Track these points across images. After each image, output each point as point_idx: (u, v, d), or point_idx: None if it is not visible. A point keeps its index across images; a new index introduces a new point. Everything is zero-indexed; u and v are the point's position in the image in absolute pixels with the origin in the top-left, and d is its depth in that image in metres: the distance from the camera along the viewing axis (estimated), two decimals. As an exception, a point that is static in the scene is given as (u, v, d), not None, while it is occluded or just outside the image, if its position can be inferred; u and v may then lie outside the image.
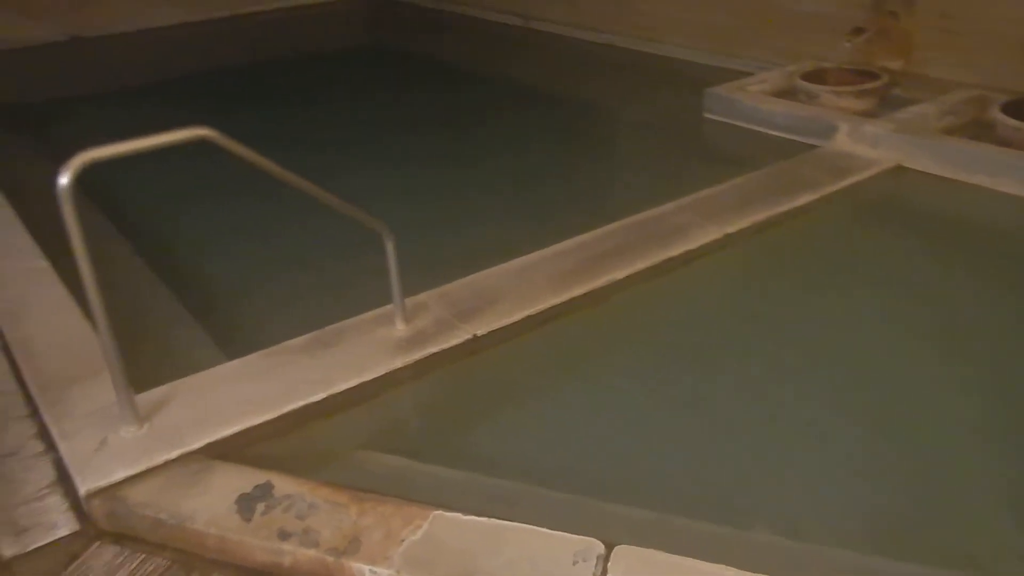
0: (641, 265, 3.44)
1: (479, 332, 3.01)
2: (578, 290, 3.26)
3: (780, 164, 4.46)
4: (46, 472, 2.57)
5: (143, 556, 2.29)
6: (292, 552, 2.14)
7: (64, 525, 2.38)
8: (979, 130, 4.52)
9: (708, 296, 3.45)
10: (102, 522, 2.36)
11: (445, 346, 2.94)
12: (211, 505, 2.29)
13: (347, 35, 9.54)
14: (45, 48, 8.60)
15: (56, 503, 2.46)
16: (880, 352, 3.03)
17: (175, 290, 3.71)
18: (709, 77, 5.85)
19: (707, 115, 5.42)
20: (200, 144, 2.35)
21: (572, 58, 7.53)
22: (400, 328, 3.00)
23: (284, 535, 2.17)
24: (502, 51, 8.14)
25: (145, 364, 3.00)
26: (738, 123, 5.24)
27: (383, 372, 2.80)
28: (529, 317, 3.13)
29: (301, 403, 2.66)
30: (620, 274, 3.38)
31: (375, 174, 4.94)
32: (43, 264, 3.63)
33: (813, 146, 4.74)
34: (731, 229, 3.73)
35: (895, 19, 5.50)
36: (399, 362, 2.85)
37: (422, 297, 3.21)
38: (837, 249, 3.82)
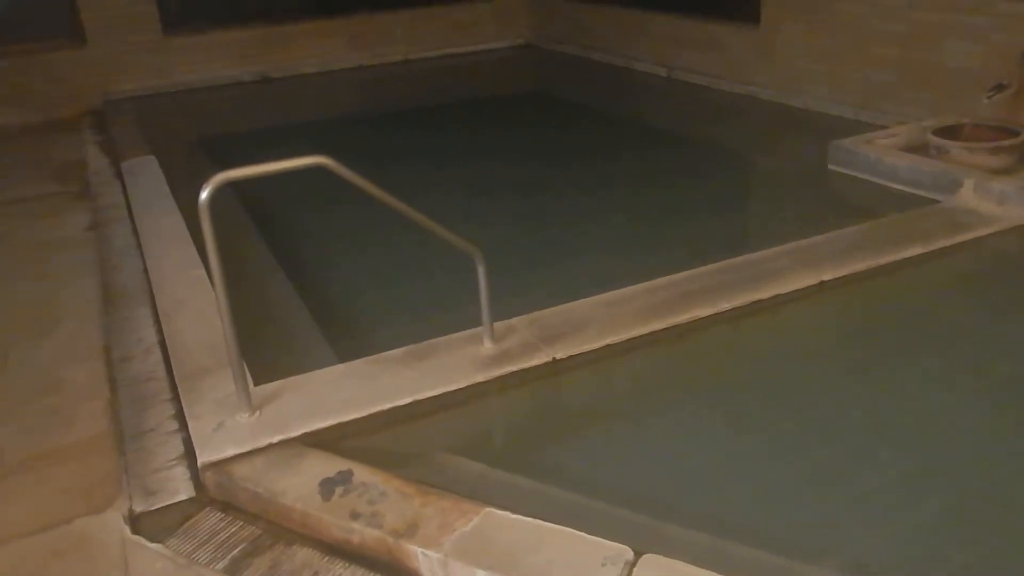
0: (727, 305, 3.52)
1: (559, 355, 3.21)
2: (660, 324, 3.39)
3: (894, 216, 4.40)
4: (176, 447, 2.98)
5: (241, 523, 2.62)
6: (360, 531, 2.40)
7: (183, 491, 2.76)
8: None
9: (792, 342, 3.49)
10: (213, 491, 2.71)
11: (525, 365, 3.15)
12: (299, 485, 2.59)
13: (506, 80, 10.03)
14: (238, 86, 9.59)
15: (180, 473, 2.85)
16: (960, 422, 2.96)
17: (305, 298, 4.12)
18: (846, 130, 5.81)
19: (831, 166, 5.38)
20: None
21: (710, 107, 7.63)
22: (487, 347, 3.24)
23: (355, 515, 2.44)
24: (644, 98, 8.36)
25: (270, 360, 3.42)
26: (861, 175, 5.19)
27: (465, 385, 3.05)
28: (609, 346, 3.29)
29: (389, 406, 2.95)
30: (704, 312, 3.48)
31: (498, 202, 5.29)
32: (201, 272, 4.14)
33: (935, 201, 4.64)
34: (827, 277, 3.74)
35: (1041, 76, 5.28)
36: (481, 377, 3.09)
37: (514, 321, 3.44)
38: (939, 307, 3.74)
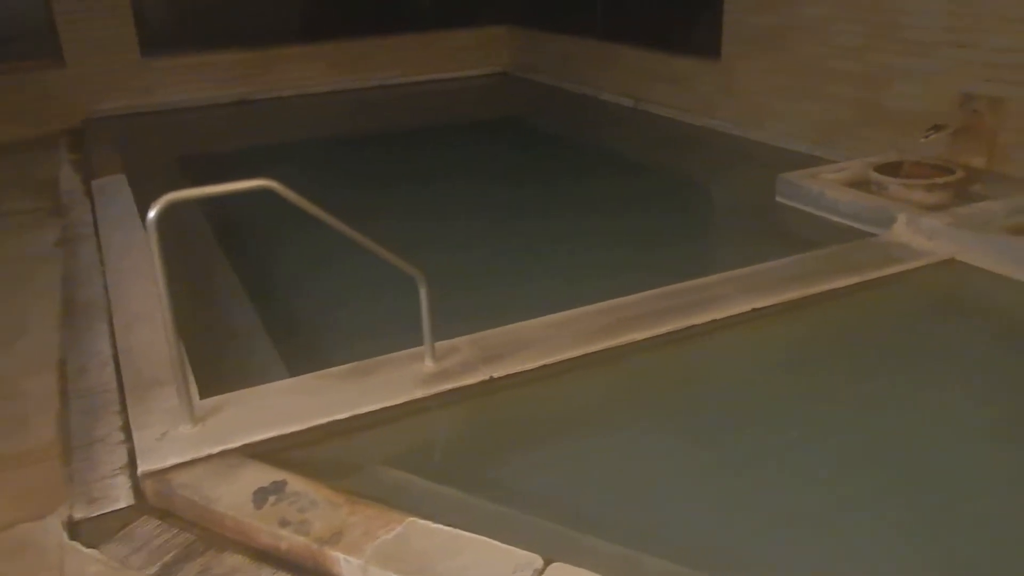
0: (662, 329, 3.65)
1: (496, 374, 3.32)
2: (596, 347, 3.51)
3: (831, 248, 4.56)
4: (121, 456, 3.05)
5: (177, 530, 2.69)
6: (288, 538, 2.49)
7: (124, 499, 2.84)
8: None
9: (723, 367, 3.62)
10: (152, 499, 2.79)
11: (463, 383, 3.26)
12: (234, 493, 2.68)
13: (480, 107, 10.20)
14: (217, 108, 9.71)
15: (122, 481, 2.92)
16: (874, 437, 3.09)
17: (265, 315, 4.22)
18: (801, 164, 5.98)
19: (778, 199, 5.55)
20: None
21: (671, 138, 7.81)
22: (429, 365, 3.35)
23: (284, 523, 2.52)
24: (608, 128, 8.54)
25: (224, 374, 3.51)
26: (806, 208, 5.35)
27: (403, 401, 3.16)
28: (545, 366, 3.41)
29: (328, 419, 3.05)
30: (640, 336, 3.60)
31: (453, 224, 5.46)
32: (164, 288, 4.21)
33: (872, 234, 4.80)
34: (760, 304, 3.88)
35: (980, 118, 5.48)
36: (419, 393, 3.19)
37: (457, 341, 3.55)
38: (864, 334, 3.88)
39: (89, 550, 2.61)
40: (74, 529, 2.72)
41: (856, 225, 4.98)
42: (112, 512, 2.78)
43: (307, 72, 10.12)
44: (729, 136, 7.47)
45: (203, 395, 3.25)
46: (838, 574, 2.47)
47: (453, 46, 10.97)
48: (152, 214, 2.72)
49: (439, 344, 3.49)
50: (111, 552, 2.60)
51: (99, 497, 2.85)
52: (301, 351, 3.96)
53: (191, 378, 3.32)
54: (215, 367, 3.63)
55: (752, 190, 5.85)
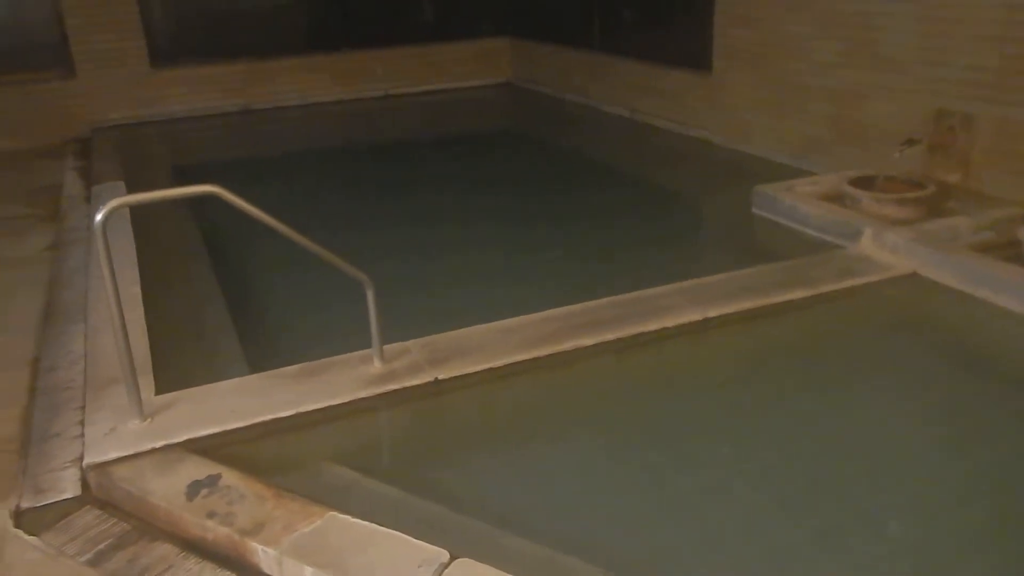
0: (610, 336, 3.70)
1: (441, 376, 3.39)
2: (543, 351, 3.57)
3: (795, 260, 4.58)
4: (75, 450, 3.15)
5: (115, 520, 2.79)
6: (213, 529, 2.57)
7: (70, 490, 2.94)
8: (1016, 247, 4.44)
9: (669, 374, 3.66)
10: (95, 490, 2.89)
11: (408, 384, 3.33)
12: (169, 486, 2.77)
13: (479, 117, 10.32)
14: (221, 117, 9.90)
15: (71, 474, 3.03)
16: (805, 448, 3.12)
17: (234, 313, 4.32)
18: (785, 177, 5.99)
19: (754, 211, 5.59)
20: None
21: (662, 148, 7.88)
22: (377, 366, 3.42)
23: (211, 515, 2.61)
24: (603, 138, 8.63)
25: (186, 371, 3.61)
26: (779, 220, 5.38)
27: (347, 400, 3.23)
28: (491, 369, 3.47)
29: (272, 416, 3.13)
30: (588, 342, 3.66)
31: (434, 229, 5.59)
32: (136, 290, 4.34)
33: (841, 247, 4.82)
34: (713, 313, 3.92)
35: (954, 135, 5.49)
36: (364, 393, 3.27)
37: (408, 343, 3.63)
38: (814, 345, 3.91)
39: (30, 538, 2.71)
40: (19, 518, 2.82)
41: (826, 238, 5.00)
42: (57, 503, 2.89)
43: (310, 83, 10.29)
44: (717, 148, 7.52)
45: (162, 391, 3.35)
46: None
47: (455, 57, 11.10)
48: (99, 218, 2.83)
49: (392, 346, 3.58)
50: (50, 540, 2.70)
51: (47, 488, 2.96)
52: (270, 351, 4.05)
53: (149, 375, 3.43)
54: (180, 365, 3.74)
55: (730, 202, 5.88)
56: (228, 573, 2.51)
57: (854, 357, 3.80)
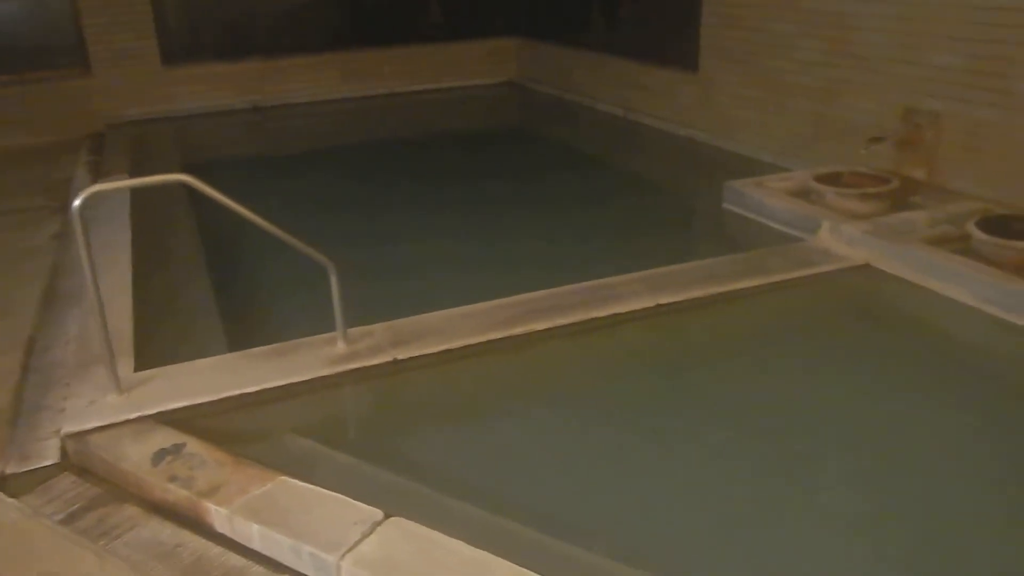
0: (564, 321, 3.87)
1: (400, 356, 3.57)
2: (498, 335, 3.75)
3: (753, 251, 4.72)
4: (59, 422, 3.36)
5: (89, 485, 3.00)
6: (174, 491, 2.78)
7: (51, 457, 3.15)
8: (968, 241, 4.55)
9: (618, 355, 3.82)
10: (72, 457, 3.10)
11: (368, 364, 3.52)
12: (139, 453, 2.98)
13: (481, 115, 10.50)
14: (231, 114, 10.14)
15: (54, 443, 3.24)
16: (742, 429, 3.25)
17: (217, 295, 4.54)
18: (762, 173, 6.13)
19: (725, 205, 5.72)
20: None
21: (650, 145, 8.03)
22: (340, 347, 3.62)
23: (173, 478, 2.81)
24: (596, 136, 8.81)
25: (168, 349, 3.82)
26: (748, 214, 5.52)
27: (310, 377, 3.43)
28: (448, 351, 3.65)
29: (238, 392, 3.34)
30: (541, 326, 3.83)
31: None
32: (126, 276, 4.57)
33: (801, 239, 4.95)
34: (665, 300, 4.07)
35: (921, 132, 5.59)
36: (326, 371, 3.47)
37: (374, 327, 3.82)
38: (763, 331, 4.05)
39: (11, 499, 2.92)
40: (4, 482, 3.03)
41: (789, 231, 5.13)
42: (39, 469, 3.10)
43: (319, 80, 10.49)
44: (704, 145, 7.64)
45: (142, 368, 3.56)
46: (659, 547, 2.65)
47: (462, 57, 11.26)
48: (76, 203, 3.04)
49: (358, 329, 3.77)
50: (29, 502, 2.91)
51: (31, 456, 3.17)
52: (252, 333, 4.23)
53: (130, 354, 3.65)
54: (162, 345, 3.95)
55: (706, 197, 6.02)
56: (186, 531, 2.70)
57: (799, 340, 3.95)
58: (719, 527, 2.72)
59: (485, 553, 2.37)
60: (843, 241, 4.72)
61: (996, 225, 4.44)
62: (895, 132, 5.65)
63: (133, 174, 7.02)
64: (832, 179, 5.49)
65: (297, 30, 10.66)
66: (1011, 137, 5.01)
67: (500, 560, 2.34)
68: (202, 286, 4.80)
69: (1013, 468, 2.99)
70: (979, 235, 4.36)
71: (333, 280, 3.49)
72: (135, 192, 6.42)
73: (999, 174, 5.08)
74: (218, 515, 2.65)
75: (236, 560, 2.55)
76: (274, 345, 3.68)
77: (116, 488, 2.95)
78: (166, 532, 2.71)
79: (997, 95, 5.04)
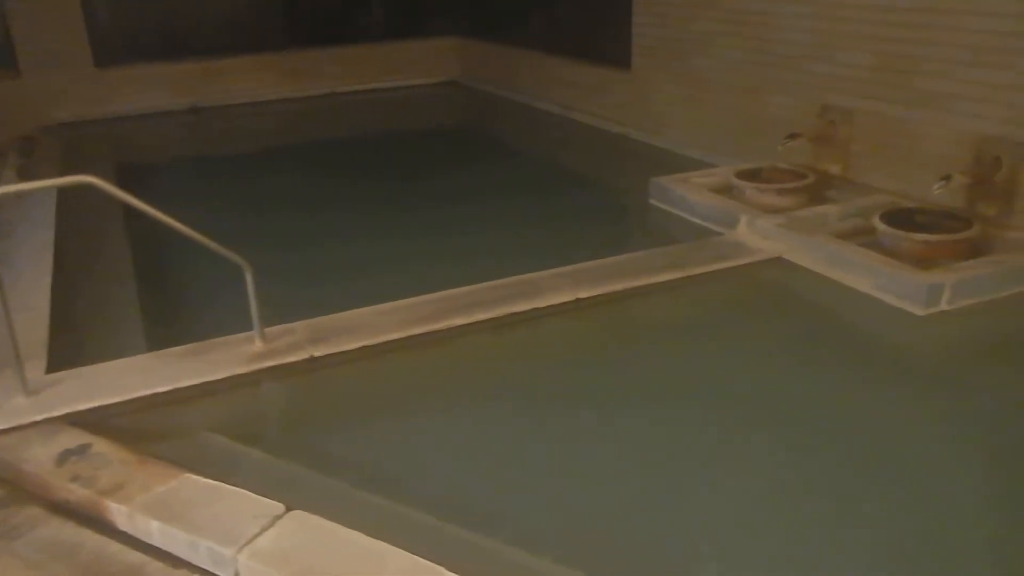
0: (483, 316, 3.90)
1: (317, 354, 3.57)
2: (417, 331, 3.77)
3: (673, 246, 4.81)
4: (-31, 424, 3.30)
5: (-9, 487, 2.95)
6: (76, 491, 2.75)
7: (-44, 460, 3.08)
8: (874, 234, 4.68)
9: (537, 348, 3.87)
10: (-23, 460, 3.04)
11: (284, 361, 3.52)
12: (43, 454, 2.94)
13: (417, 114, 10.49)
14: (169, 116, 9.99)
15: (-39, 446, 3.17)
16: (672, 405, 3.35)
17: (140, 295, 4.49)
18: (690, 169, 6.24)
19: (651, 201, 5.82)
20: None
21: (583, 143, 8.12)
22: (257, 345, 3.61)
23: (75, 478, 2.78)
24: (531, 133, 8.90)
25: (83, 350, 3.77)
26: (672, 210, 5.62)
27: (224, 376, 3.41)
28: (366, 347, 3.66)
29: (149, 392, 3.31)
30: (461, 321, 3.86)
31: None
32: (47, 280, 4.49)
33: (720, 234, 5.06)
34: (584, 294, 4.13)
35: (835, 128, 5.74)
36: (241, 370, 3.45)
37: (295, 325, 3.81)
38: (677, 318, 4.14)
39: (-88, 503, 2.86)
40: (-94, 488, 2.96)
41: (710, 226, 5.23)
42: (-57, 471, 3.03)
43: (258, 81, 10.40)
44: (636, 142, 7.74)
45: (55, 370, 3.51)
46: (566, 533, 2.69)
47: (404, 56, 11.26)
48: (-24, 206, 2.98)
49: (278, 327, 3.77)
50: (-69, 504, 2.85)
51: (-61, 457, 3.10)
52: (177, 334, 4.19)
53: (43, 356, 3.60)
54: (79, 346, 3.90)
55: (632, 193, 6.10)
56: (87, 530, 2.68)
57: (710, 329, 4.03)
58: (627, 510, 2.77)
59: (383, 544, 2.39)
60: (758, 235, 4.84)
61: (901, 218, 4.58)
62: (810, 129, 5.80)
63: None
64: (752, 175, 5.62)
65: (236, 30, 10.57)
66: (915, 133, 5.17)
67: (396, 550, 2.36)
68: (125, 288, 4.74)
69: (868, 422, 3.23)
70: (882, 227, 4.50)
71: (248, 279, 3.49)
72: (61, 194, 6.33)
73: (906, 168, 5.24)
74: (119, 513, 2.63)
75: (135, 557, 2.53)
76: (190, 345, 3.66)
77: (18, 490, 2.91)
78: (67, 531, 2.68)
79: (902, 91, 5.20)
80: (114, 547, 2.59)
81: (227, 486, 2.69)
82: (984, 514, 2.72)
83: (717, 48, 6.85)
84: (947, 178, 4.66)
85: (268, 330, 3.69)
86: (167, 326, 4.34)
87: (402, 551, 2.36)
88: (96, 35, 9.52)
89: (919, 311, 3.96)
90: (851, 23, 5.54)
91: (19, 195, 3.08)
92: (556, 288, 4.18)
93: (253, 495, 2.64)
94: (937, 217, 4.59)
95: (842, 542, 2.60)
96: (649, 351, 3.85)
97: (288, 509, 2.57)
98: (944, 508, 2.75)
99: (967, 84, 4.82)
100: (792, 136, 5.70)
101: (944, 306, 4.00)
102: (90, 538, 2.64)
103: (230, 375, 3.43)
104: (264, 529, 2.47)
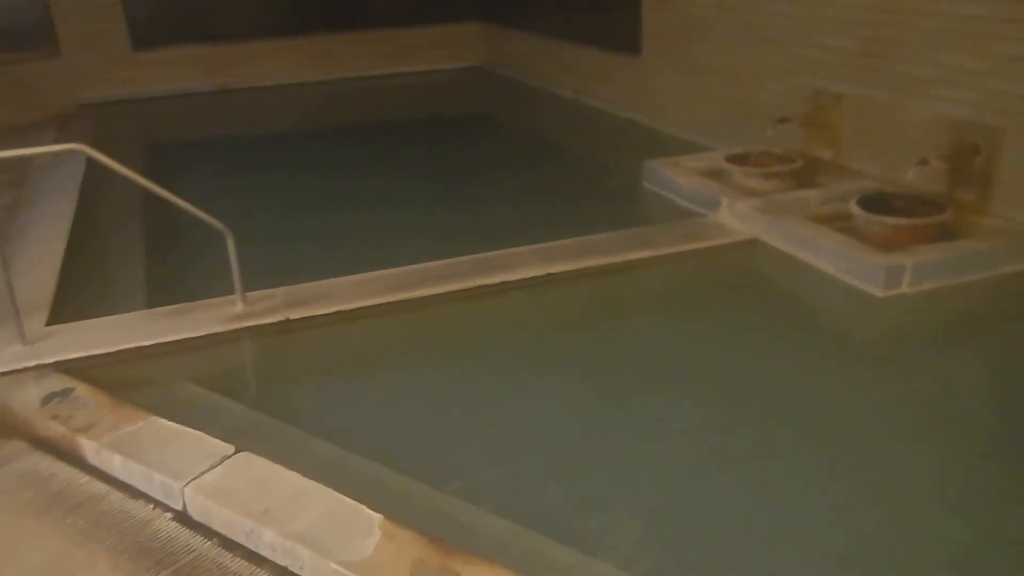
0: (455, 287, 4.08)
1: (292, 316, 3.79)
2: (389, 299, 3.96)
3: (651, 226, 4.93)
4: (-28, 368, 3.57)
5: (-15, 424, 3.22)
6: (54, 428, 2.99)
7: (-43, 401, 3.36)
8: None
9: (507, 318, 4.02)
10: (-25, 400, 3.32)
11: (261, 323, 3.74)
12: (31, 395, 3.20)
13: (439, 99, 10.65)
14: (199, 96, 10.32)
15: (-36, 389, 3.45)
16: (627, 375, 3.49)
17: (148, 260, 4.76)
18: (689, 152, 6.32)
19: (645, 183, 5.92)
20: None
21: (591, 127, 8.23)
22: (238, 307, 3.83)
23: (55, 417, 3.03)
24: (543, 118, 9.03)
25: (87, 305, 4.03)
26: (662, 192, 5.71)
27: (202, 334, 3.64)
28: (340, 312, 3.86)
29: (134, 345, 3.55)
30: (433, 291, 4.04)
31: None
32: (62, 244, 4.78)
33: (703, 215, 5.15)
34: (555, 270, 4.28)
35: (825, 112, 5.78)
36: (219, 329, 3.68)
37: (276, 290, 4.03)
38: (647, 294, 4.27)
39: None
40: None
41: (696, 208, 5.32)
42: (-57, 409, 3.31)
43: (284, 65, 10.66)
44: (642, 127, 7.82)
45: (55, 323, 3.78)
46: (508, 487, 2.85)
47: (427, 41, 11.42)
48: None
49: (260, 292, 3.99)
50: (-77, 439, 3.12)
51: (-62, 397, 3.38)
52: (176, 296, 4.42)
53: (46, 309, 3.88)
54: (82, 302, 4.16)
55: (629, 176, 6.19)
56: (62, 463, 2.93)
57: (676, 306, 4.16)
58: (561, 467, 2.92)
59: (314, 483, 2.59)
60: (737, 217, 4.92)
61: (877, 202, 4.63)
62: (800, 113, 5.84)
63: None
64: (741, 159, 5.69)
65: (266, 14, 10.81)
66: (899, 119, 5.20)
67: (325, 489, 2.55)
68: (135, 253, 5.01)
69: (809, 397, 3.35)
70: (856, 211, 4.56)
71: (230, 245, 3.70)
72: (88, 167, 6.65)
73: (891, 154, 5.27)
74: (89, 448, 2.87)
75: (100, 487, 2.77)
76: (177, 305, 3.89)
77: (6, 426, 3.17)
78: (44, 463, 2.93)
79: (884, 76, 5.22)
80: (83, 479, 2.83)
81: (188, 429, 2.91)
82: (922, 481, 2.82)
83: (712, 33, 6.90)
84: (923, 162, 4.69)
85: (250, 294, 3.90)
86: (170, 289, 4.58)
87: (330, 490, 2.54)
88: (133, 18, 9.85)
89: (879, 292, 4.04)
90: (837, 8, 5.57)
91: (20, 160, 3.29)
92: (528, 263, 4.33)
93: (209, 437, 2.85)
94: (914, 202, 4.63)
95: (771, 508, 2.71)
96: (608, 325, 3.99)
97: (237, 451, 2.77)
98: (876, 477, 2.84)
99: (945, 69, 4.84)
100: (782, 120, 5.75)
101: (905, 289, 4.07)
102: (63, 470, 2.89)
103: (209, 333, 3.66)
104: (212, 467, 2.69)
